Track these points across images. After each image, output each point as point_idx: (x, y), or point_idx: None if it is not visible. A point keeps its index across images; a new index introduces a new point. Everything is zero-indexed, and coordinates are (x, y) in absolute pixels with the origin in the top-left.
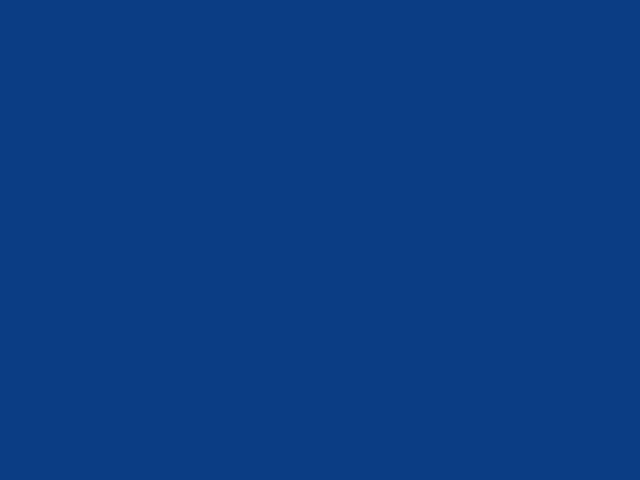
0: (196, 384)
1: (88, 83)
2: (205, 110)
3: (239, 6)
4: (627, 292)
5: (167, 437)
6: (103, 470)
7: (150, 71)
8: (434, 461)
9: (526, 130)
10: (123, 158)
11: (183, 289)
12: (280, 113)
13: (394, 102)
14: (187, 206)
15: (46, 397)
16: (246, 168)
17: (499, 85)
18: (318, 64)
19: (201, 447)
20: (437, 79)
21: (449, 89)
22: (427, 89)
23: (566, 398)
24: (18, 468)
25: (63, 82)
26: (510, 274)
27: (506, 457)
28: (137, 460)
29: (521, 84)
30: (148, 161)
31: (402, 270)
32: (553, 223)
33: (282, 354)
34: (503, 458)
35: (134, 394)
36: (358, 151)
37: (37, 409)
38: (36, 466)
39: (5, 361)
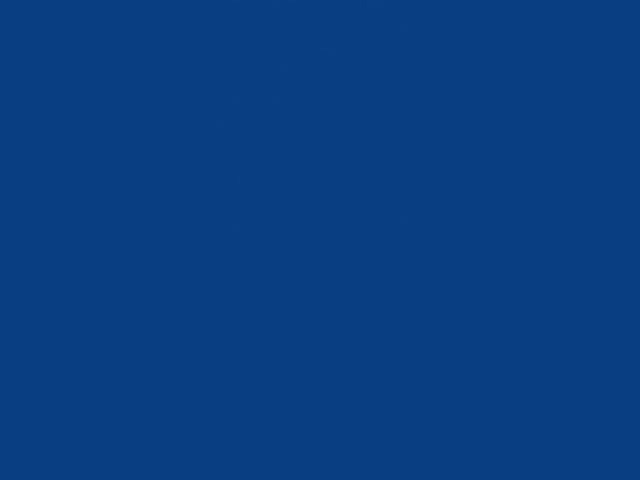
0: (196, 384)
1: (88, 83)
2: (205, 110)
3: (239, 6)
4: (627, 292)
5: (167, 437)
6: (103, 470)
7: (150, 71)
8: (434, 461)
9: (526, 130)
10: (123, 158)
11: (183, 289)
12: (280, 113)
13: (394, 102)
14: (187, 206)
15: (46, 397)
16: (246, 168)
17: (499, 85)
18: (318, 64)
19: (201, 447)
20: (437, 79)
21: (449, 89)
22: (427, 89)
23: (566, 398)
24: (18, 468)
25: (63, 82)
26: (510, 274)
27: (506, 457)
28: (137, 460)
29: (521, 84)
30: (148, 161)
31: (402, 271)
32: (553, 223)
33: (282, 354)
34: (503, 458)
35: (134, 394)
36: (358, 151)
37: (37, 409)
38: (36, 466)
39: (5, 361)
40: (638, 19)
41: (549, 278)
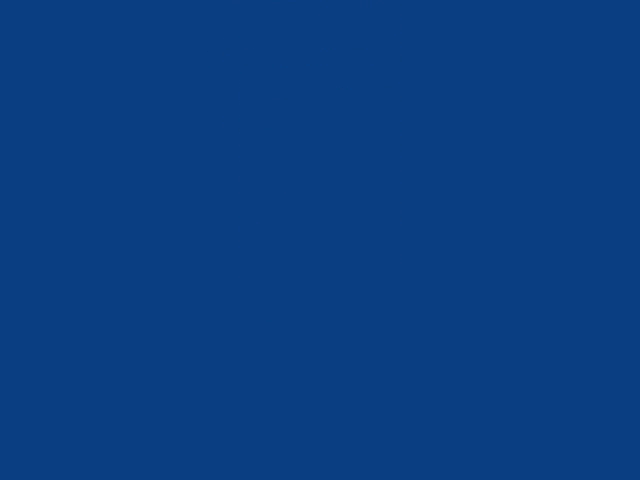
0: (196, 384)
1: (88, 83)
2: (205, 110)
3: (239, 7)
4: (627, 292)
5: (167, 437)
6: (103, 470)
7: (150, 71)
8: (434, 461)
9: (526, 130)
10: (123, 158)
11: (183, 289)
12: (280, 113)
13: (394, 102)
14: (187, 206)
15: (46, 397)
16: (246, 168)
17: (499, 85)
18: (318, 64)
19: (201, 447)
20: (437, 79)
21: (449, 89)
22: (427, 89)
23: (566, 398)
24: (18, 468)
25: (63, 82)
26: (510, 274)
27: (506, 457)
28: (137, 460)
29: (521, 84)
30: (148, 161)
31: (402, 271)
32: (553, 223)
33: (282, 354)
34: (503, 458)
35: (134, 394)
36: (358, 151)
37: (37, 409)
38: (36, 466)
39: (5, 361)
40: (638, 19)
41: (549, 278)
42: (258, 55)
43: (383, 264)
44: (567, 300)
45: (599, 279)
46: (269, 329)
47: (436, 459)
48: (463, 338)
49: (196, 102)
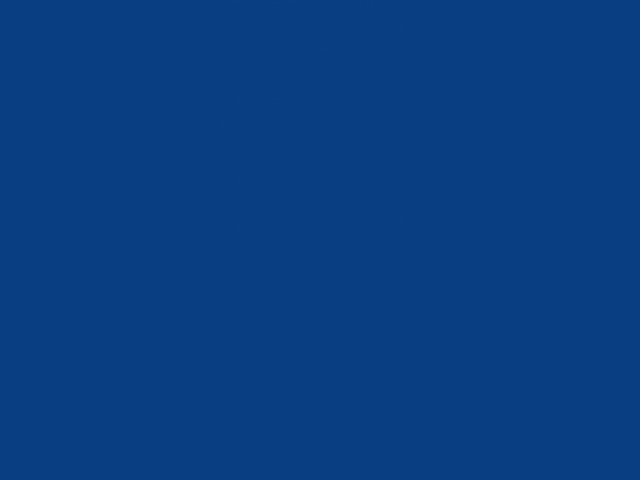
0: (196, 384)
1: (88, 83)
2: (205, 110)
3: (239, 6)
4: (627, 292)
5: (167, 437)
6: (103, 470)
7: (150, 71)
8: (434, 461)
9: (526, 130)
10: (123, 158)
11: (183, 289)
12: (280, 113)
13: (394, 102)
14: (187, 206)
15: (46, 397)
16: (246, 168)
17: (499, 85)
18: (318, 64)
19: (201, 447)
20: (437, 79)
21: (449, 89)
22: (427, 89)
23: (566, 398)
24: (18, 468)
25: (63, 82)
26: (510, 274)
27: (506, 457)
28: (137, 460)
29: (521, 84)
30: (148, 161)
31: (402, 271)
32: (553, 223)
33: (282, 354)
34: (503, 458)
35: (134, 394)
36: (358, 151)
37: (37, 409)
38: (36, 466)
39: (5, 361)
40: (638, 19)
41: (549, 278)
42: (258, 55)
43: (383, 264)
44: (567, 300)
45: (599, 279)
46: (269, 329)
47: (436, 459)
48: (463, 338)
49: (196, 102)
